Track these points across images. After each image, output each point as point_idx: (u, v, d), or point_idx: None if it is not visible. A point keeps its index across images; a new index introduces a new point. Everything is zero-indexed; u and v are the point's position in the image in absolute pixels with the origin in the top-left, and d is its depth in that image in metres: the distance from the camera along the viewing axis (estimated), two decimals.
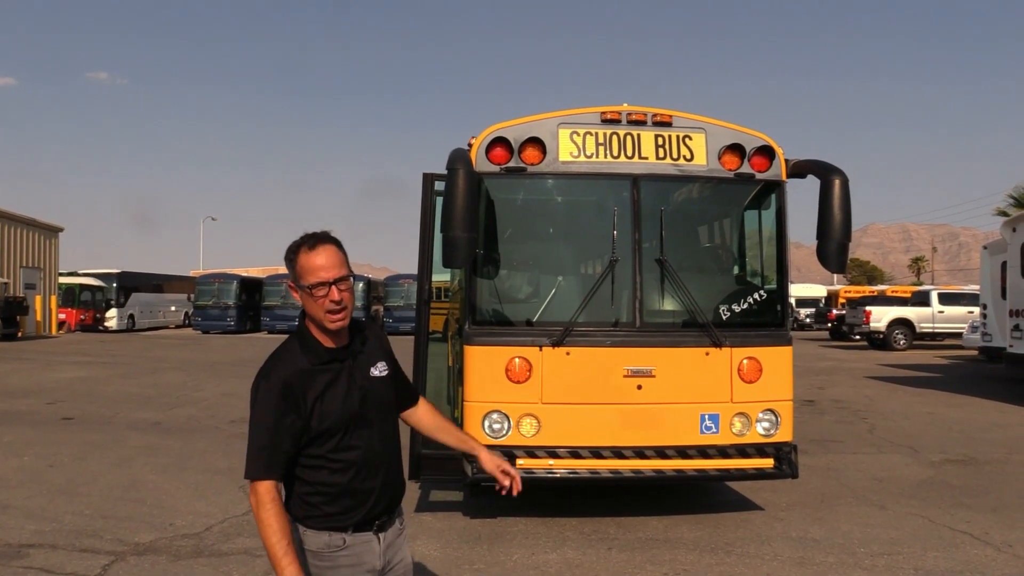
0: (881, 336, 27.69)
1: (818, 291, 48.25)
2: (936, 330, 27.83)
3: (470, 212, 5.44)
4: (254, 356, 23.53)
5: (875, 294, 39.10)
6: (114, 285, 38.72)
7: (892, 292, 40.23)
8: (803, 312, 44.82)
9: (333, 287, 2.38)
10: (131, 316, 40.01)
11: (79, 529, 6.00)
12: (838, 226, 5.71)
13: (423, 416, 2.89)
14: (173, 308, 45.39)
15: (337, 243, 2.45)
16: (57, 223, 37.23)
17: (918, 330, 27.71)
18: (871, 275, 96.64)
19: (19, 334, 30.21)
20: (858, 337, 30.30)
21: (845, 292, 44.96)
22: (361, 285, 38.82)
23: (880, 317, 27.69)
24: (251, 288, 41.33)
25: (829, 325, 35.67)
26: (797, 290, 48.97)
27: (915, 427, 11.10)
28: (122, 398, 13.59)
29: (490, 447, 5.73)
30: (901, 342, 27.50)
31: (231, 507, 6.63)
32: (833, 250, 5.74)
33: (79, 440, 9.55)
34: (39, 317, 33.71)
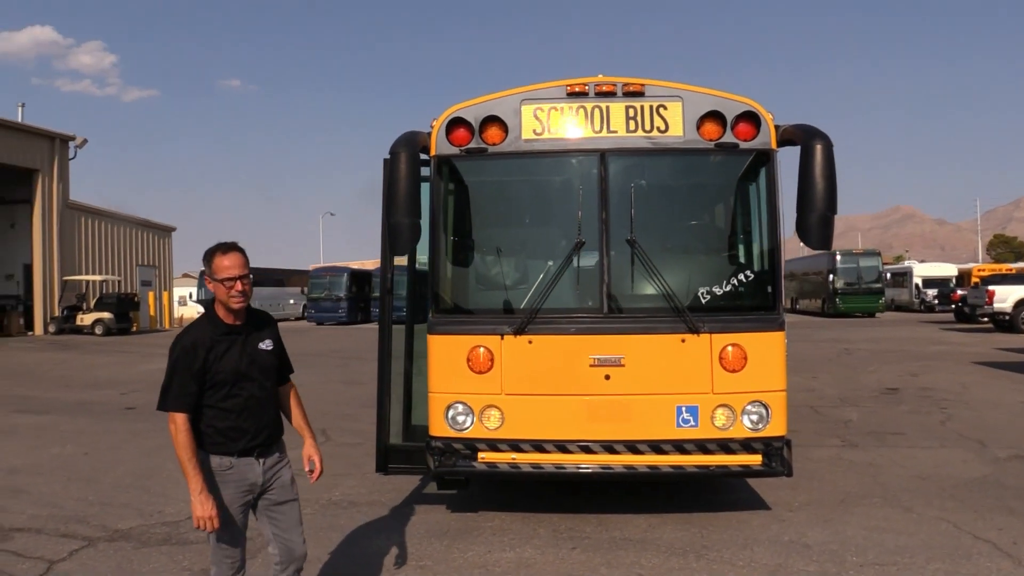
0: (1007, 317, 25.25)
1: (948, 270, 44.66)
2: None
3: (412, 197, 5.22)
4: (345, 347, 24.25)
5: (1011, 272, 35.74)
6: None
7: None
8: (930, 293, 41.65)
9: (239, 280, 3.33)
10: None
11: (73, 515, 6.26)
12: (821, 196, 5.09)
13: (282, 395, 3.78)
14: (292, 301, 47.41)
15: (242, 251, 3.40)
16: (170, 223, 39.83)
17: None
18: (1019, 252, 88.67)
19: (134, 328, 32.43)
20: (985, 319, 27.82)
21: (979, 271, 41.38)
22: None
23: (1005, 297, 25.24)
24: (361, 280, 42.64)
25: (953, 307, 32.90)
26: (924, 269, 45.64)
27: (999, 418, 9.98)
28: None
29: (453, 440, 5.59)
30: None
31: None
32: (815, 223, 5.11)
33: (127, 429, 10.06)
34: (153, 312, 36.14)
